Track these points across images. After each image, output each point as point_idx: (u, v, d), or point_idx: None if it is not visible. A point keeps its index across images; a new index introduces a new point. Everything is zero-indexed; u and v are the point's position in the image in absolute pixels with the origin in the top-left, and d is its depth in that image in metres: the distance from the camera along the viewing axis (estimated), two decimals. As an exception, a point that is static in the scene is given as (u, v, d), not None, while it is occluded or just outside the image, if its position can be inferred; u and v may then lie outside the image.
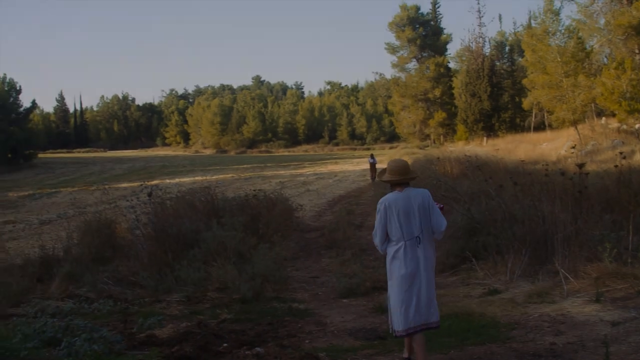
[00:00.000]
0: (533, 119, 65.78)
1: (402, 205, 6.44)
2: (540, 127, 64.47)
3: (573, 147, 31.59)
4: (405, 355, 6.86)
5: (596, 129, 43.38)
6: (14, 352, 6.71)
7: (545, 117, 61.33)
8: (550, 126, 58.34)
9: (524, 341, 7.39)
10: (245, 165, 67.04)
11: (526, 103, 58.17)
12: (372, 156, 41.72)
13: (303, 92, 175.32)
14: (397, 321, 6.46)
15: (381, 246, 6.65)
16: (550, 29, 48.28)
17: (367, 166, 41.46)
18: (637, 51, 45.48)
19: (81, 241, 13.90)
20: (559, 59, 45.40)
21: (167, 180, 43.69)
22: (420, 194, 6.53)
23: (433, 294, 6.52)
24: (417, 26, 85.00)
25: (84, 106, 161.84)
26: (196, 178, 45.70)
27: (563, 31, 48.24)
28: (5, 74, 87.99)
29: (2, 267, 12.67)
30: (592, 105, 46.42)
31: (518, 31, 78.67)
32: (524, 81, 56.55)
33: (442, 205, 6.89)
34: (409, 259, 6.39)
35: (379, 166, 39.10)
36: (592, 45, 48.29)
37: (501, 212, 11.96)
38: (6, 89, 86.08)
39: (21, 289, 11.08)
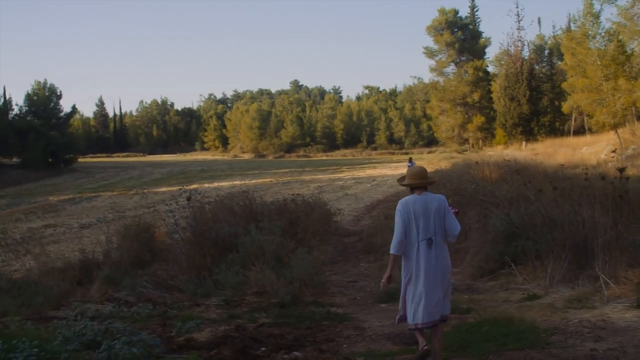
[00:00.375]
0: (573, 123, 65.23)
1: (420, 208, 6.86)
2: (580, 131, 63.93)
3: (613, 151, 31.15)
4: (424, 346, 6.84)
5: (637, 132, 42.81)
6: (54, 355, 6.78)
7: (585, 121, 60.82)
8: (590, 130, 57.82)
9: (563, 347, 7.33)
10: (283, 170, 67.20)
11: (566, 107, 57.70)
12: (410, 160, 43.06)
13: (341, 97, 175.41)
14: (409, 316, 6.93)
15: (400, 247, 6.93)
16: (590, 32, 47.82)
17: (405, 171, 41.34)
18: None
19: (120, 245, 14.01)
20: (599, 62, 44.95)
21: (206, 185, 43.95)
22: (437, 199, 6.97)
23: (444, 293, 6.93)
24: (456, 30, 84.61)
25: (123, 111, 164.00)
26: (234, 182, 45.90)
27: (603, 34, 47.78)
28: (46, 79, 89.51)
29: (43, 270, 12.81)
30: (633, 108, 45.79)
31: (557, 34, 78.11)
32: (564, 85, 56.10)
33: (457, 210, 7.45)
34: (423, 259, 6.80)
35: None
36: (633, 48, 47.62)
37: (540, 216, 11.87)
38: (47, 94, 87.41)
39: (62, 292, 11.21)
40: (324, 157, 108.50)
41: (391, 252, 7.03)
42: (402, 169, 52.34)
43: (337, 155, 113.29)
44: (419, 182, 7.09)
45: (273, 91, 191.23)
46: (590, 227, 10.65)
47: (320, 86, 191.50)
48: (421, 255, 6.80)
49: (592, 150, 42.38)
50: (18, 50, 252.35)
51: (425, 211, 6.84)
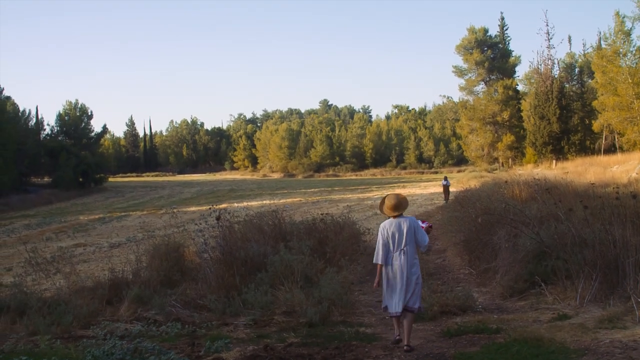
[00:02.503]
0: (603, 141, 64.75)
1: (395, 228, 9.12)
2: (610, 149, 63.39)
3: (645, 170, 30.93)
4: (396, 334, 9.12)
5: (668, 150, 42.42)
6: (84, 373, 6.82)
7: (616, 139, 60.34)
8: (621, 148, 57.36)
9: (594, 367, 7.24)
10: (312, 189, 67.32)
11: (596, 125, 57.36)
12: (445, 178, 43.29)
13: (370, 116, 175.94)
14: (389, 306, 9.15)
15: (380, 258, 9.17)
16: (621, 50, 47.57)
17: (435, 190, 41.91)
18: None
19: (150, 264, 14.04)
20: (630, 81, 44.68)
21: (235, 204, 44.06)
22: (408, 220, 9.22)
23: (414, 287, 9.03)
24: (485, 49, 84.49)
25: (153, 130, 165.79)
26: (264, 202, 46.06)
27: (634, 52, 47.43)
28: (77, 100, 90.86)
29: (73, 289, 12.88)
30: (664, 127, 45.46)
31: (588, 52, 77.74)
32: (594, 103, 55.79)
33: (430, 225, 9.52)
34: (397, 264, 9.03)
35: (451, 188, 40.05)
36: (665, 66, 47.28)
37: (571, 236, 11.75)
38: (78, 114, 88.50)
39: (91, 311, 11.27)
40: (353, 177, 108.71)
41: (374, 262, 9.36)
42: (432, 188, 52.33)
43: (367, 174, 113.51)
44: (393, 213, 9.27)
45: (302, 111, 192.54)
46: (621, 247, 10.53)
47: (350, 105, 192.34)
48: (395, 261, 9.04)
49: (623, 169, 41.93)
50: (50, 71, 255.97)
51: (399, 230, 9.09)
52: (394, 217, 9.26)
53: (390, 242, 9.11)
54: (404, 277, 8.95)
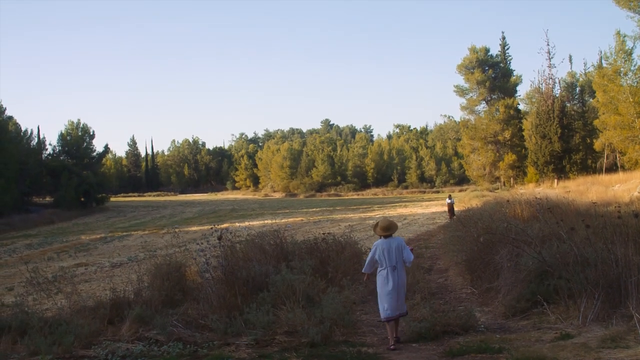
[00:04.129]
0: (605, 161, 64.78)
1: (385, 247, 11.10)
2: (612, 168, 63.43)
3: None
4: (391, 342, 10.68)
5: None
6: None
7: (618, 158, 60.36)
8: (623, 167, 57.34)
9: (597, 387, 7.22)
10: (314, 209, 67.32)
11: (598, 144, 57.41)
12: (450, 197, 44.38)
13: (372, 136, 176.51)
14: (383, 313, 10.99)
15: (368, 269, 11.54)
16: (622, 69, 47.66)
17: (436, 209, 42.22)
18: None
19: (151, 284, 14.00)
20: (631, 100, 44.75)
21: (237, 224, 44.07)
22: (397, 241, 11.23)
23: (402, 297, 11.17)
24: (487, 68, 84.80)
25: (155, 150, 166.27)
26: (265, 221, 46.06)
27: (635, 71, 47.51)
28: (79, 119, 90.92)
29: (74, 309, 12.84)
30: (666, 146, 45.49)
31: (589, 72, 77.89)
32: (596, 122, 55.85)
33: (412, 248, 11.64)
34: (390, 278, 10.97)
35: (455, 207, 40.57)
36: (666, 85, 47.34)
37: (573, 255, 11.73)
38: (80, 134, 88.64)
39: (92, 331, 11.23)
40: (355, 196, 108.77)
41: (363, 271, 11.83)
42: (434, 208, 52.57)
43: (368, 194, 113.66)
44: (384, 233, 11.28)
45: (304, 130, 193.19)
46: (623, 266, 10.52)
47: (352, 125, 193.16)
48: (389, 275, 10.96)
49: (625, 188, 41.88)
50: (52, 90, 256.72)
51: (389, 249, 11.04)
52: (385, 237, 11.26)
53: (383, 257, 11.05)
54: (397, 289, 10.94)
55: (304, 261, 13.90)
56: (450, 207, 42.20)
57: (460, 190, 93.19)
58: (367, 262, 11.50)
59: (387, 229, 11.26)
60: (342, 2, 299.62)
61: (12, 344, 10.76)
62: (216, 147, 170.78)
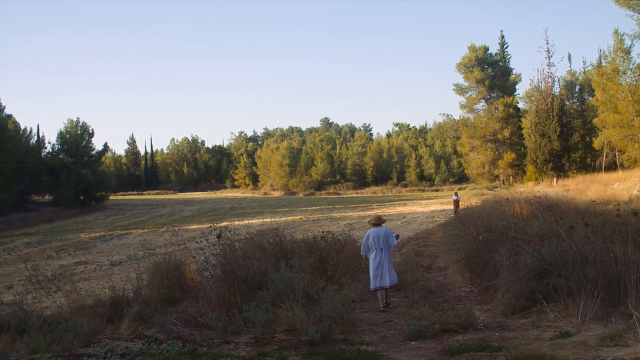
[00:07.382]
0: (604, 159, 64.78)
1: (376, 234, 14.56)
2: (611, 166, 63.45)
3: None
4: (381, 305, 14.09)
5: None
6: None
7: (617, 157, 60.38)
8: (622, 166, 57.37)
9: (596, 385, 7.21)
10: (313, 207, 67.30)
11: (597, 143, 57.37)
12: (456, 194, 47.89)
13: (371, 134, 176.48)
14: (373, 284, 14.32)
15: (364, 251, 14.92)
16: (621, 68, 47.64)
17: (435, 207, 43.15)
18: None
19: (151, 282, 14.01)
20: (630, 98, 44.73)
21: (236, 222, 44.07)
22: (384, 229, 14.68)
23: (391, 269, 14.53)
24: (486, 67, 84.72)
25: (154, 149, 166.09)
26: (265, 220, 46.06)
27: (634, 70, 47.50)
28: (78, 118, 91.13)
29: (73, 307, 12.83)
30: (665, 144, 45.48)
31: (588, 70, 77.88)
32: (595, 120, 55.83)
33: (397, 234, 15.50)
34: (377, 257, 14.41)
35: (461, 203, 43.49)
36: (665, 84, 47.32)
37: (572, 253, 11.72)
38: (79, 132, 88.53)
39: (91, 329, 11.21)
40: (354, 195, 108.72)
41: (361, 253, 15.27)
42: (433, 206, 52.77)
43: (367, 192, 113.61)
44: (375, 222, 14.96)
45: (303, 129, 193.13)
46: (623, 264, 10.51)
47: (351, 123, 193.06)
48: (377, 255, 14.44)
49: (624, 186, 41.88)
50: (51, 89, 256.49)
51: (378, 235, 14.53)
52: (375, 225, 14.94)
53: (375, 241, 14.51)
54: (386, 263, 14.39)
55: (303, 259, 13.88)
56: (456, 203, 45.01)
57: (459, 189, 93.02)
58: (362, 245, 15.03)
59: (378, 219, 15.09)
60: (341, 1, 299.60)
61: (12, 342, 10.74)
62: (215, 146, 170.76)
